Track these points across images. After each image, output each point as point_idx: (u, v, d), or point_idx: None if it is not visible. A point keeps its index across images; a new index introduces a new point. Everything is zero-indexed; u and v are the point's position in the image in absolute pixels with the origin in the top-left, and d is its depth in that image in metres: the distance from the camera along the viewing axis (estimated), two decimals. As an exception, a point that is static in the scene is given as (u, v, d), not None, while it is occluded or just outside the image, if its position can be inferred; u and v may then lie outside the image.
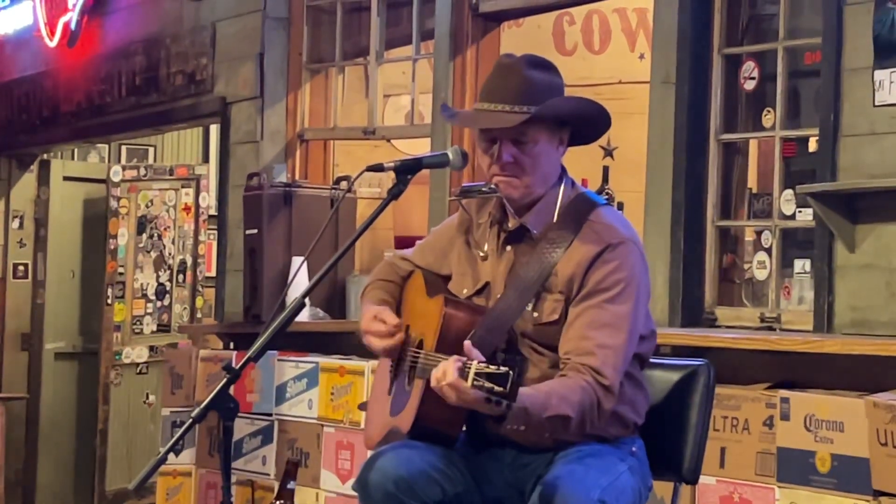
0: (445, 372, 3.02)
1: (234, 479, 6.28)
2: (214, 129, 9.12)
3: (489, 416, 3.02)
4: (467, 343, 3.11)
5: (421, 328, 3.50)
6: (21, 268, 10.17)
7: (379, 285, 3.70)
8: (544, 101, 3.34)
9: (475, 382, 2.94)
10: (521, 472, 3.40)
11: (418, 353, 3.44)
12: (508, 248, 3.45)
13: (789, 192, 5.32)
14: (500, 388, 2.92)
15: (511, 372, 2.92)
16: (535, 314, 3.35)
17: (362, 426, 4.91)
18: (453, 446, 3.40)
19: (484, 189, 3.50)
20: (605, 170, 6.83)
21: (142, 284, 9.56)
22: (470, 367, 2.96)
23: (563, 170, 3.48)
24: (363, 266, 7.12)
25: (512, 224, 3.45)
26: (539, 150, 3.37)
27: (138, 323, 9.55)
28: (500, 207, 3.48)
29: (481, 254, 3.50)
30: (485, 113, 3.39)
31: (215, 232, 8.24)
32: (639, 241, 3.42)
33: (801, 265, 5.33)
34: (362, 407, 3.74)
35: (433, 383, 3.08)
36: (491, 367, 2.94)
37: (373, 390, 3.72)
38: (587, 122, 3.46)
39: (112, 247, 9.48)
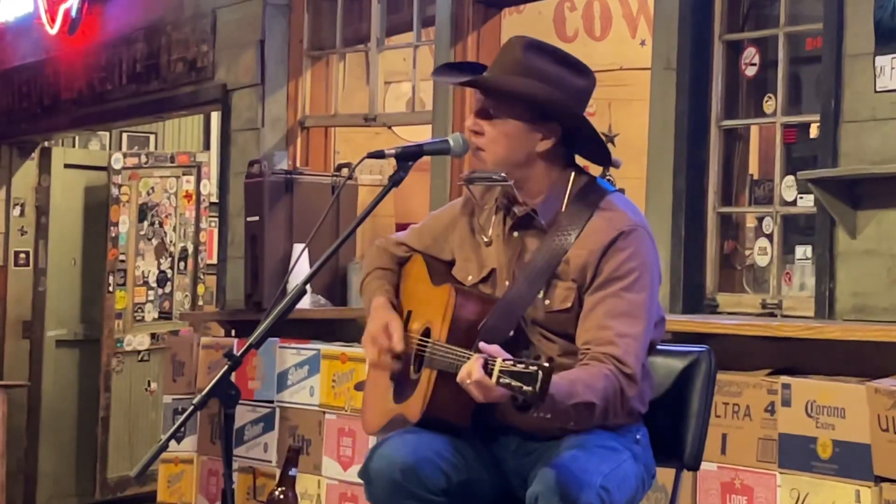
0: (470, 372, 3.01)
1: (235, 466, 6.30)
2: (215, 117, 9.11)
3: (515, 406, 3.01)
4: (490, 345, 3.08)
5: (426, 316, 3.48)
6: (22, 255, 10.17)
7: (380, 275, 3.66)
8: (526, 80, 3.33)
9: (500, 380, 2.92)
10: (525, 460, 3.40)
11: (425, 341, 3.42)
12: (516, 234, 3.43)
13: (790, 178, 5.32)
14: (529, 388, 2.90)
15: (540, 371, 2.89)
16: (547, 301, 3.34)
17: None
18: (461, 436, 3.39)
19: (494, 177, 3.47)
20: (607, 156, 6.82)
21: (143, 272, 9.56)
22: (494, 365, 2.95)
23: (572, 157, 3.47)
24: (364, 253, 7.11)
25: (520, 210, 3.43)
26: (506, 129, 3.35)
27: (140, 310, 9.55)
28: (508, 193, 3.47)
29: (485, 238, 3.48)
30: (455, 74, 3.50)
31: (216, 219, 8.24)
32: (649, 228, 3.40)
33: (803, 251, 5.33)
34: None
35: (460, 378, 3.06)
36: (518, 365, 2.92)
37: (369, 374, 3.71)
38: (573, 127, 3.39)
39: (113, 234, 9.48)
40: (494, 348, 3.02)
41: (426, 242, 3.64)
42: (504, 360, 2.94)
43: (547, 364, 2.91)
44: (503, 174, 3.41)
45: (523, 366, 2.91)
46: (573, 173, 3.42)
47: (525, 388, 2.89)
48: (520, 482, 3.39)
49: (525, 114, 3.35)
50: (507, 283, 3.41)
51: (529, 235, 3.42)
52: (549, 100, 3.33)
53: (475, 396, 3.04)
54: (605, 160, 3.46)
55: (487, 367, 2.97)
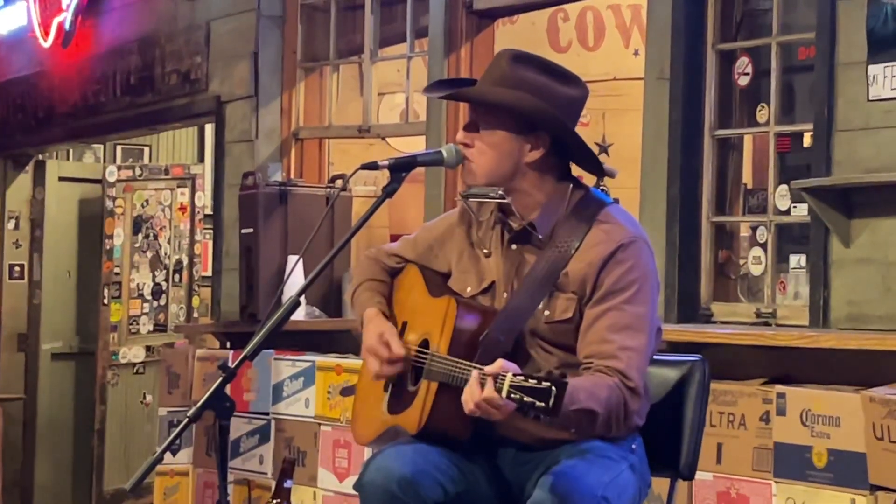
0: (474, 392, 3.01)
1: (231, 478, 6.29)
2: (209, 129, 9.14)
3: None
4: (496, 361, 3.08)
5: (424, 327, 3.47)
6: (17, 268, 10.17)
7: (370, 286, 3.65)
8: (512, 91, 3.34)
9: (511, 395, 2.91)
10: (521, 470, 3.39)
11: (424, 353, 3.41)
12: (514, 246, 3.42)
13: (784, 187, 5.33)
14: (542, 404, 2.87)
15: (554, 387, 2.87)
16: (547, 312, 3.33)
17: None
18: (457, 447, 3.38)
19: (491, 195, 3.47)
20: (600, 166, 6.83)
21: (138, 284, 9.55)
22: (504, 380, 2.93)
23: (567, 168, 3.46)
24: (355, 263, 7.11)
25: (517, 224, 3.42)
26: (493, 140, 3.35)
27: (135, 323, 9.55)
28: (504, 208, 3.47)
29: (485, 250, 3.48)
30: (445, 88, 3.52)
31: (211, 231, 8.25)
32: (647, 239, 3.39)
33: (797, 260, 5.34)
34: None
35: (464, 398, 3.05)
36: (531, 380, 2.90)
37: (360, 383, 3.70)
38: (561, 137, 3.40)
39: (108, 247, 9.48)
40: (509, 365, 3.02)
41: (420, 252, 3.63)
42: (515, 376, 2.92)
43: (562, 378, 2.90)
44: (500, 192, 3.41)
45: (535, 381, 2.89)
46: (569, 186, 3.42)
47: (538, 403, 2.87)
48: (517, 492, 3.38)
49: (512, 124, 3.34)
50: (505, 295, 3.40)
51: (528, 249, 3.41)
52: (533, 109, 3.32)
53: (487, 416, 3.04)
54: (597, 171, 3.46)
55: (496, 383, 2.95)
